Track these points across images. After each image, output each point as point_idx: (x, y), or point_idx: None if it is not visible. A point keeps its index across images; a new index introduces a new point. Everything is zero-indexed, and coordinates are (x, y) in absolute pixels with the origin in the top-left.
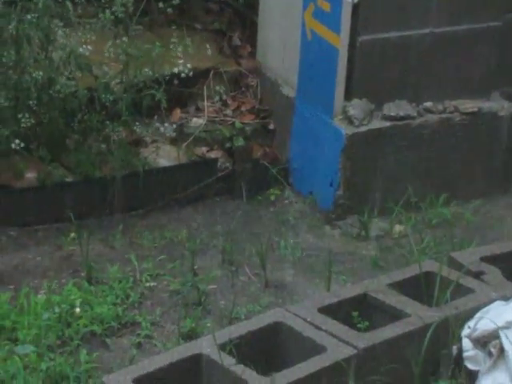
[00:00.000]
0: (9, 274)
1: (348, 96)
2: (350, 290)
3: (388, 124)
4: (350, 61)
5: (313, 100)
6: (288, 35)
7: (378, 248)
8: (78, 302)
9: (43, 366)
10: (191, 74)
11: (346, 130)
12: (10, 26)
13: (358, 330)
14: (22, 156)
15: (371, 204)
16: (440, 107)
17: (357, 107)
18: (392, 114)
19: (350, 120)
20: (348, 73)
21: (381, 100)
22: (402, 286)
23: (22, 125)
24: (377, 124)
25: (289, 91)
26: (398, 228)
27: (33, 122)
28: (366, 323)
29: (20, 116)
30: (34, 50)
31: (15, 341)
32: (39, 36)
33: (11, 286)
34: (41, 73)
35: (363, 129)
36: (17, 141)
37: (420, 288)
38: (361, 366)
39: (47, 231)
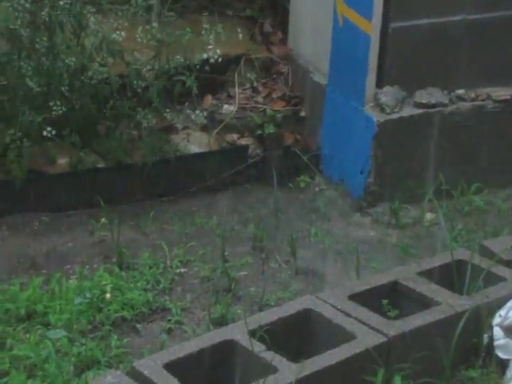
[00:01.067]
0: (41, 259)
1: (379, 83)
2: (381, 278)
3: (420, 111)
4: (382, 48)
5: (344, 87)
6: (320, 22)
7: (409, 236)
8: (108, 288)
9: (75, 350)
10: (221, 60)
11: (377, 117)
12: (43, 13)
13: (388, 317)
14: (55, 142)
15: (402, 192)
16: (472, 95)
17: (388, 94)
18: (424, 101)
19: (381, 107)
20: (380, 60)
21: (412, 87)
22: (433, 274)
23: (54, 112)
24: (408, 111)
25: (320, 78)
26: (429, 216)
27: (64, 109)
28: (396, 311)
29: (52, 104)
30: (66, 37)
31: (47, 325)
32: (72, 22)
33: (43, 271)
34: (73, 59)
35: (395, 116)
36: (48, 128)
37: (451, 276)
38: (390, 354)
39: (79, 217)
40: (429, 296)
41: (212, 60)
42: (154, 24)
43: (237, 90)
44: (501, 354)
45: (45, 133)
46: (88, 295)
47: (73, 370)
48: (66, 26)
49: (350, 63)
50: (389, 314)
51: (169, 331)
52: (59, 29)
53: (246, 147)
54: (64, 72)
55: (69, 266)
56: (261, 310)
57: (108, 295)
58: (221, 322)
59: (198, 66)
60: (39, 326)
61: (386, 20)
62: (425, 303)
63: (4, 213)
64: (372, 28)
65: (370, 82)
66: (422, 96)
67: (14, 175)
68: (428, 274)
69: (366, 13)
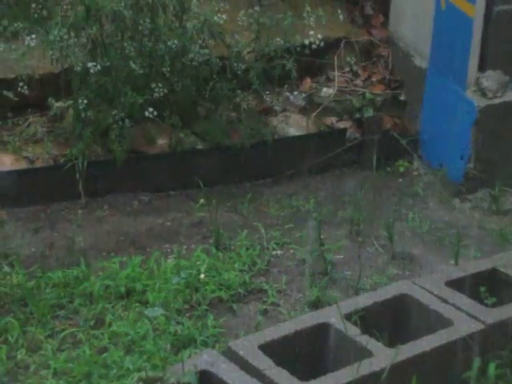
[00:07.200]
0: (140, 238)
1: (482, 67)
2: (479, 265)
3: None
4: (485, 31)
5: (445, 71)
6: (421, 5)
7: (509, 222)
8: (202, 269)
9: (171, 329)
10: (322, 44)
11: (478, 102)
12: None
13: (486, 305)
14: (155, 123)
15: (503, 178)
16: None
17: (491, 79)
18: None
19: (483, 92)
20: (482, 44)
21: None
22: None
23: (155, 94)
24: (511, 96)
25: (421, 62)
26: None
27: (165, 91)
28: (494, 299)
29: (153, 85)
30: (168, 19)
31: (145, 303)
32: (174, 5)
33: (142, 250)
34: (175, 41)
35: (497, 101)
36: (150, 109)
37: None
38: (487, 342)
39: (177, 197)
40: None
41: (314, 46)
42: (256, 7)
43: (336, 73)
44: None
45: (146, 113)
46: (185, 275)
47: (169, 348)
48: (168, 9)
49: (451, 47)
50: (486, 301)
51: (264, 312)
52: (162, 11)
53: (344, 130)
54: (166, 54)
55: (167, 246)
56: (356, 293)
57: (202, 275)
58: (316, 305)
59: (297, 49)
60: (137, 304)
61: (490, 3)
62: None
63: (105, 192)
64: (475, 11)
65: (472, 66)
66: None
67: (115, 155)
68: None
69: None
